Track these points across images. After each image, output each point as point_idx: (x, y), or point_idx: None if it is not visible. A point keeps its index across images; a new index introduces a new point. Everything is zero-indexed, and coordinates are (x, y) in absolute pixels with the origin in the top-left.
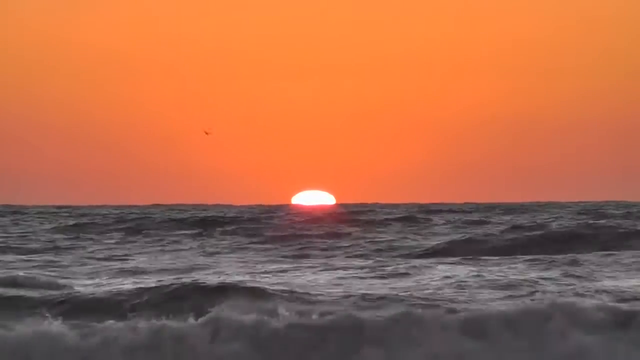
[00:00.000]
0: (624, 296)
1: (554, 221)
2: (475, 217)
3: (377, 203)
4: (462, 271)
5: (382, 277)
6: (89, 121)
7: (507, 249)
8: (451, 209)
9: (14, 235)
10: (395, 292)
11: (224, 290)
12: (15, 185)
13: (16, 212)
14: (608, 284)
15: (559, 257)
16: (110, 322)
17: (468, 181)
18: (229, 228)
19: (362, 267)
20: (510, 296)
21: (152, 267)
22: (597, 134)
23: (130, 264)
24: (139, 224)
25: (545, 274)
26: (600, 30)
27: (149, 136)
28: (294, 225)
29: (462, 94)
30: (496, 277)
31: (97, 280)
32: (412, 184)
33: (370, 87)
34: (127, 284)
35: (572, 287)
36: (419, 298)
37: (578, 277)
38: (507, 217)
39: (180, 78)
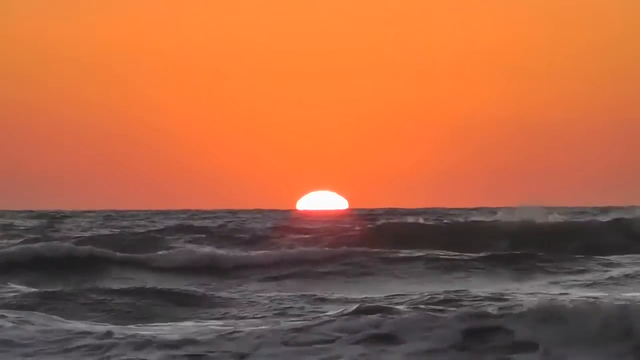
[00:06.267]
0: None
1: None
2: None
3: (396, 208)
4: None
5: None
6: (88, 123)
7: None
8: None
9: None
10: None
11: None
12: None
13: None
14: None
15: None
16: None
17: (492, 184)
18: None
19: None
20: None
21: None
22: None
23: None
24: None
25: None
26: (604, 32)
27: (146, 139)
28: None
29: (486, 95)
30: None
31: None
32: (432, 188)
33: (391, 87)
34: None
35: None
36: None
37: None
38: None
39: (182, 79)
